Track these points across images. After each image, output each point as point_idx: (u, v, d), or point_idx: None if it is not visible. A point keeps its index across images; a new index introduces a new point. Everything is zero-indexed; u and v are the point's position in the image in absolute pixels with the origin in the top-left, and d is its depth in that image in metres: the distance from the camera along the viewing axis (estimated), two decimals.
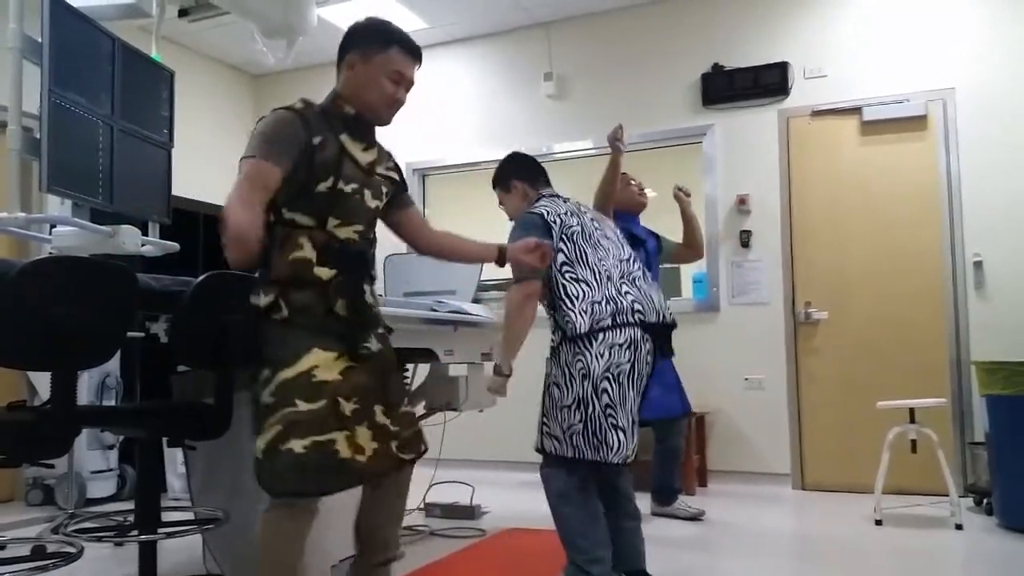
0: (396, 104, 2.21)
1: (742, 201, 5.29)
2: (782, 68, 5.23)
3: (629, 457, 2.58)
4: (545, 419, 2.65)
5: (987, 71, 4.79)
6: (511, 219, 2.95)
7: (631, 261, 2.76)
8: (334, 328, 2.08)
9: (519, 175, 2.97)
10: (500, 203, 3.06)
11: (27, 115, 2.93)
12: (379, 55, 2.15)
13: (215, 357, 2.39)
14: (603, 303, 2.58)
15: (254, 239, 1.86)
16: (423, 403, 3.75)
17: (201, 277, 2.39)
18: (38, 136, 2.92)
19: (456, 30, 6.14)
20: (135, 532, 2.47)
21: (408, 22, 5.93)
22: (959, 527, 3.80)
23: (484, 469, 5.51)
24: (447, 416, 3.87)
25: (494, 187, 3.04)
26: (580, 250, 2.67)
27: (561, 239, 2.67)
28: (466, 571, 3.19)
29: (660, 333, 2.69)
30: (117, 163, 3.30)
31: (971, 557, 3.44)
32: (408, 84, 2.22)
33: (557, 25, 5.95)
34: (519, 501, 4.64)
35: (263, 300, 2.04)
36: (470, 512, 4.19)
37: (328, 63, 6.55)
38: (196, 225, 5.42)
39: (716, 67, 5.43)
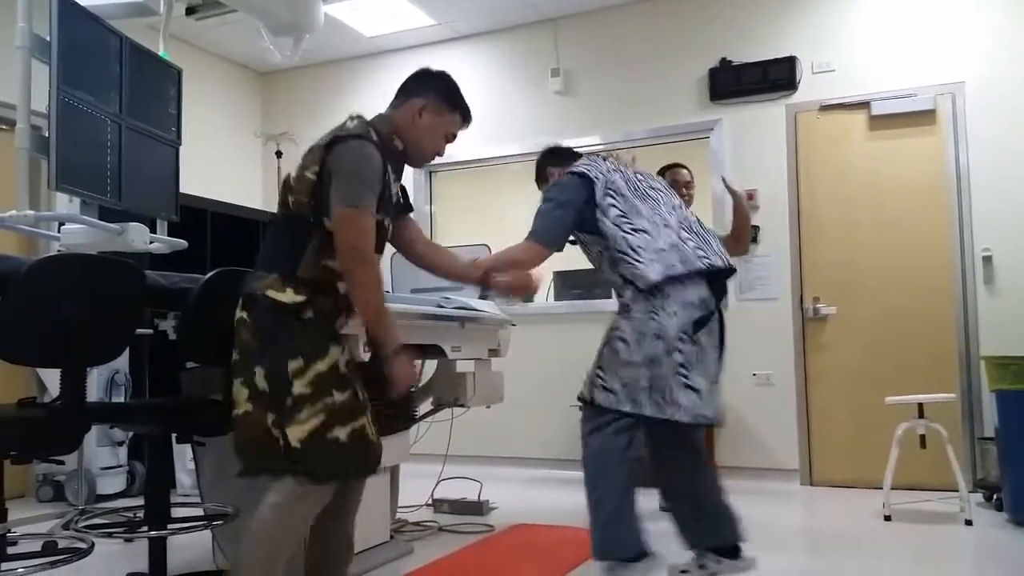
0: (437, 156, 2.39)
1: (750, 196, 5.25)
2: (790, 63, 5.20)
3: (705, 418, 2.48)
4: (600, 372, 2.55)
5: (996, 65, 4.76)
6: None
7: (682, 208, 2.73)
8: (337, 333, 2.20)
9: (551, 162, 2.98)
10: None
11: (36, 113, 2.94)
12: (449, 114, 2.34)
13: (223, 353, 2.40)
14: (668, 251, 2.52)
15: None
16: (431, 399, 3.76)
17: (209, 274, 2.40)
18: (47, 134, 2.93)
19: (463, 26, 6.14)
20: (145, 528, 2.48)
21: (415, 19, 5.93)
22: (969, 522, 3.79)
23: (491, 465, 5.51)
24: (455, 412, 3.88)
25: (538, 185, 3.05)
26: (630, 203, 2.62)
27: (607, 194, 2.62)
28: (475, 566, 3.20)
29: (723, 278, 2.65)
30: (125, 161, 3.31)
31: (981, 552, 3.43)
32: (451, 142, 2.41)
33: (564, 21, 5.94)
34: (527, 497, 4.64)
35: (290, 296, 2.10)
36: (478, 508, 4.19)
37: (335, 60, 6.63)
38: (204, 222, 5.43)
39: (724, 62, 5.41)
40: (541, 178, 3.02)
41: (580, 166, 2.73)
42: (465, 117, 2.39)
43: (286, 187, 2.20)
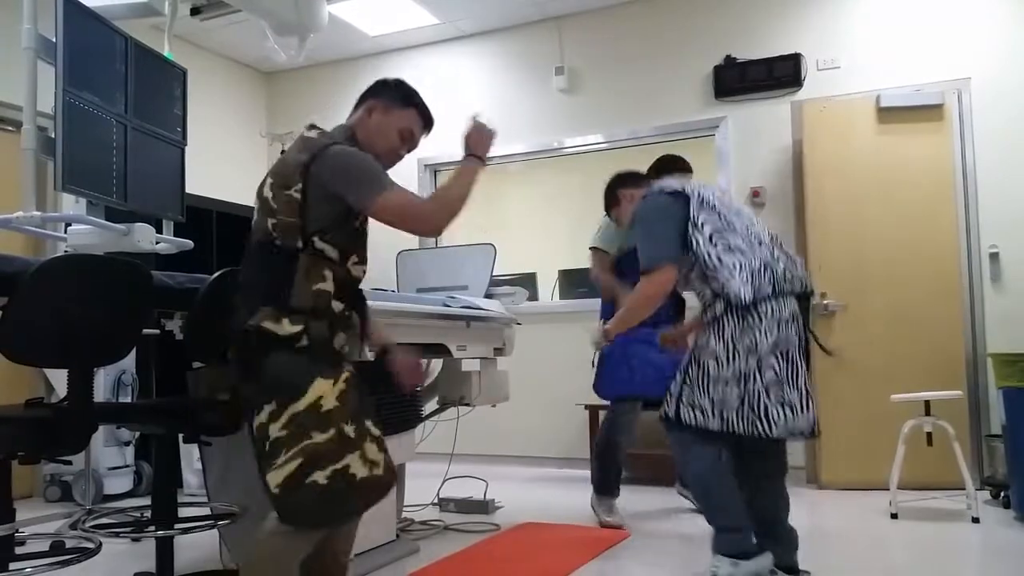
0: (397, 158, 2.34)
1: (756, 194, 5.26)
2: (795, 60, 5.19)
3: (801, 432, 2.49)
4: (687, 389, 2.55)
5: (1003, 60, 4.74)
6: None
7: (766, 227, 2.73)
8: (331, 357, 2.09)
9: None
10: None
11: (42, 115, 2.95)
12: (398, 111, 2.30)
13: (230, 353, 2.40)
14: (761, 271, 2.51)
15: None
16: (436, 398, 3.76)
17: (215, 274, 2.41)
18: (53, 135, 2.94)
19: (466, 25, 6.14)
20: (152, 528, 2.49)
21: (419, 18, 5.94)
22: (976, 520, 3.78)
23: (497, 464, 5.52)
24: (460, 411, 3.88)
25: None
26: (724, 218, 2.60)
27: (701, 208, 2.59)
28: (481, 565, 3.20)
29: (803, 302, 2.63)
30: (131, 161, 3.32)
31: (988, 550, 3.42)
32: (413, 145, 2.37)
33: (568, 19, 5.93)
34: (533, 496, 4.64)
35: (287, 328, 2.00)
36: (484, 507, 4.19)
37: (339, 60, 6.64)
38: (210, 222, 5.44)
39: (728, 59, 5.40)
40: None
41: (671, 184, 2.69)
42: (423, 115, 2.35)
43: (265, 210, 2.08)
